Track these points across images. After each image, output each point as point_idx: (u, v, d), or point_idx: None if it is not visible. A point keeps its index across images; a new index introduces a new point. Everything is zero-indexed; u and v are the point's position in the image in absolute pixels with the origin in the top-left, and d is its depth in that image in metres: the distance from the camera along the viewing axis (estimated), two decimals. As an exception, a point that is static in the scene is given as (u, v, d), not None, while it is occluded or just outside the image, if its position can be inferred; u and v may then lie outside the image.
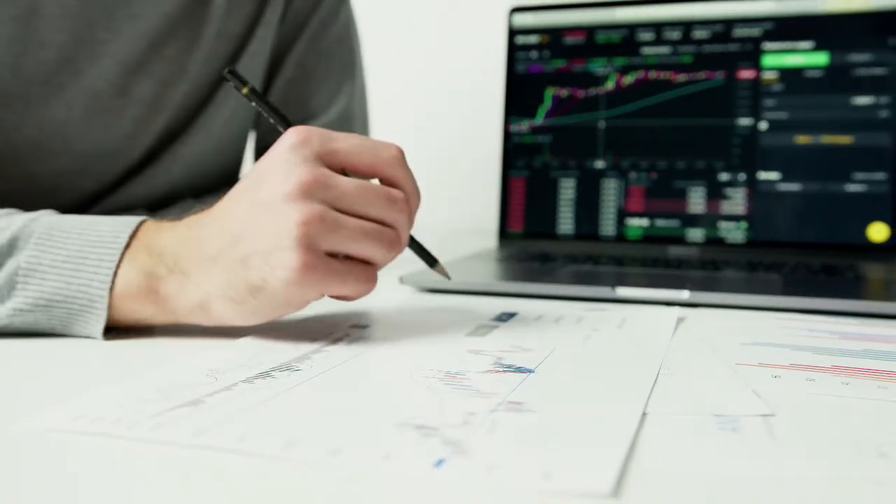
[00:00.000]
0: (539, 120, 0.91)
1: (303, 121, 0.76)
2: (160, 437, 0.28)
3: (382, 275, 0.66)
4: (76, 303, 0.41)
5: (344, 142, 0.42)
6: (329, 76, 0.76)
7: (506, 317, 0.50)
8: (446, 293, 0.60)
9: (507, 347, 0.41)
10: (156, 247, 0.42)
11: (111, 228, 0.43)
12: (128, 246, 0.42)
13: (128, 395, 0.32)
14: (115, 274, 0.41)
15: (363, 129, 0.81)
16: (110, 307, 0.41)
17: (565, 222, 0.89)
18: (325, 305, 0.53)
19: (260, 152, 0.81)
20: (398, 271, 0.63)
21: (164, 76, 0.65)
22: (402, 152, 0.43)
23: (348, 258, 0.42)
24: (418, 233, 0.50)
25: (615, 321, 0.49)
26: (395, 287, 0.62)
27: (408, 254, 0.58)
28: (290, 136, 0.41)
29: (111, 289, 0.41)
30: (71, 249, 0.42)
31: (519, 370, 0.36)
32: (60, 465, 0.26)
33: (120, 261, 0.41)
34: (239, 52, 0.70)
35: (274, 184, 0.40)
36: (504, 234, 0.91)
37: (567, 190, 0.90)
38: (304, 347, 0.40)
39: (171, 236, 0.42)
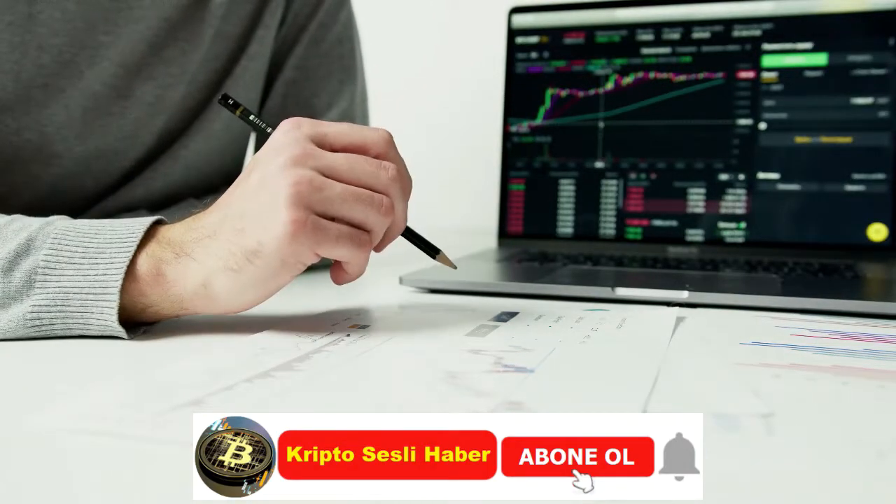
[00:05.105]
0: (539, 120, 0.92)
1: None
2: (162, 437, 0.28)
3: (382, 275, 0.66)
4: (91, 292, 0.42)
5: (332, 126, 0.44)
6: (330, 77, 0.76)
7: (506, 317, 0.50)
8: (446, 293, 0.60)
9: (507, 347, 0.41)
10: (164, 237, 0.44)
11: (126, 226, 0.44)
12: (142, 240, 0.43)
13: (130, 394, 0.32)
14: (133, 264, 0.42)
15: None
16: (123, 294, 0.42)
17: (565, 222, 0.89)
18: (325, 305, 0.53)
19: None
20: (398, 271, 0.63)
21: (164, 78, 0.65)
22: (390, 135, 0.45)
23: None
24: (418, 232, 0.50)
25: (615, 321, 0.49)
26: (395, 287, 0.62)
27: (407, 255, 0.58)
28: (283, 125, 0.44)
29: (126, 278, 0.42)
30: (88, 246, 0.43)
31: (519, 370, 0.37)
32: (61, 464, 0.26)
33: (135, 254, 0.43)
34: (238, 53, 0.70)
35: (267, 162, 0.42)
36: (504, 234, 0.91)
37: (567, 190, 0.90)
38: (305, 347, 0.41)
39: (178, 227, 0.44)
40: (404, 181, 0.45)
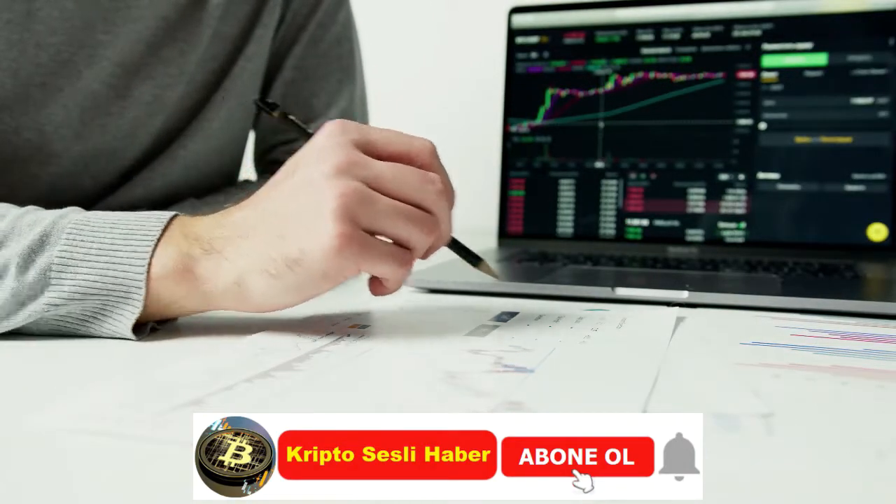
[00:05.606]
0: (539, 120, 0.92)
1: (303, 122, 0.76)
2: (162, 437, 0.28)
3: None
4: (112, 294, 0.41)
5: (377, 132, 0.43)
6: (329, 77, 0.76)
7: (506, 317, 0.50)
8: (446, 293, 0.60)
9: (507, 347, 0.41)
10: (191, 232, 0.42)
11: (141, 223, 0.43)
12: (161, 235, 0.42)
13: (130, 394, 0.32)
14: (151, 262, 0.41)
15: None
16: (148, 293, 0.41)
17: (565, 222, 0.89)
18: (325, 305, 0.53)
19: (260, 153, 0.81)
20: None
21: (162, 78, 0.65)
22: (434, 146, 0.44)
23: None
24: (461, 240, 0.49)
25: (615, 321, 0.49)
26: (395, 287, 0.62)
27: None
28: (328, 127, 0.42)
29: (147, 277, 0.41)
30: (103, 242, 0.42)
31: (519, 370, 0.37)
32: (61, 464, 0.26)
33: (154, 250, 0.41)
34: (235, 54, 0.70)
35: (311, 166, 0.41)
36: (504, 234, 0.91)
37: (567, 190, 0.90)
38: (305, 347, 0.41)
39: (205, 222, 0.43)
40: (449, 193, 0.44)
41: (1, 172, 0.61)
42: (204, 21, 0.66)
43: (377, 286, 0.45)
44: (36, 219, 0.43)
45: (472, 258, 0.49)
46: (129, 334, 0.42)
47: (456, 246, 0.49)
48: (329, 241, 0.39)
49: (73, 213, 0.44)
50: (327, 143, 0.41)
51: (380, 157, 0.42)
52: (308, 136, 0.46)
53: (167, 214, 0.43)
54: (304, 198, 0.40)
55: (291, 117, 0.49)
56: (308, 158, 0.41)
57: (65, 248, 0.42)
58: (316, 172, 0.40)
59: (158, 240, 0.42)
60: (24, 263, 0.41)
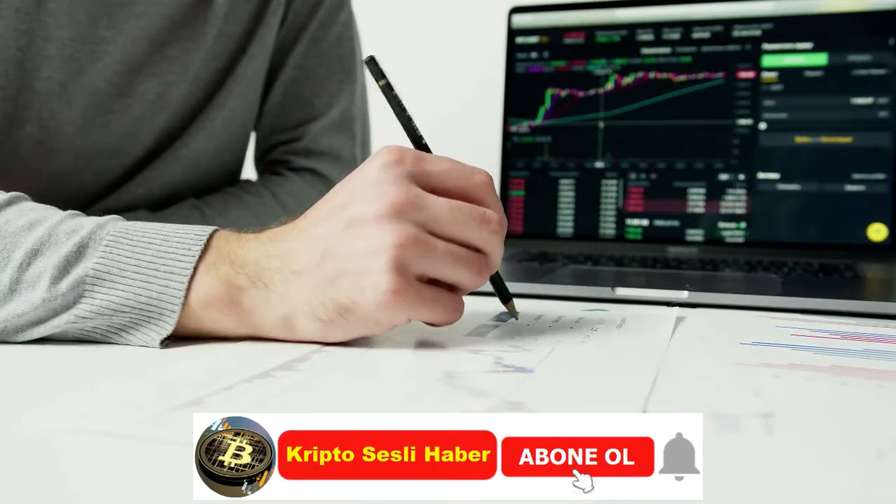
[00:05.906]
0: (539, 120, 0.92)
1: (304, 122, 0.76)
2: (162, 437, 0.28)
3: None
4: (142, 313, 0.40)
5: (435, 164, 0.41)
6: (330, 77, 0.76)
7: (506, 317, 0.50)
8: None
9: (506, 347, 0.41)
10: (237, 257, 0.41)
11: (181, 239, 0.41)
12: (203, 255, 0.41)
13: (129, 394, 0.32)
14: (189, 286, 0.40)
15: (363, 130, 0.81)
16: (188, 316, 0.40)
17: (565, 222, 0.89)
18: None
19: (260, 153, 0.81)
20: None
21: (166, 76, 0.65)
22: (491, 178, 0.43)
23: (435, 282, 0.41)
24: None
25: (614, 321, 0.49)
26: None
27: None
28: (383, 155, 0.40)
29: (185, 299, 0.40)
30: (141, 258, 0.40)
31: (519, 370, 0.37)
32: (61, 464, 0.26)
33: (194, 272, 0.40)
34: (239, 53, 0.70)
35: (366, 202, 0.39)
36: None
37: (567, 190, 0.90)
38: (305, 347, 0.41)
39: (253, 247, 0.41)
40: (503, 229, 0.42)
41: (1, 167, 0.61)
42: (209, 20, 0.66)
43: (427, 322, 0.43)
44: (74, 227, 0.41)
45: (506, 295, 0.48)
46: (156, 346, 0.41)
47: (497, 278, 0.47)
48: (381, 295, 0.38)
49: (113, 223, 0.42)
50: (382, 177, 0.39)
51: (434, 191, 0.40)
52: (405, 120, 0.45)
53: (207, 230, 0.42)
54: (357, 240, 0.39)
55: (395, 93, 0.46)
56: (362, 192, 0.40)
57: (100, 262, 0.40)
58: (370, 212, 0.39)
59: (199, 261, 0.41)
60: (59, 275, 0.40)
